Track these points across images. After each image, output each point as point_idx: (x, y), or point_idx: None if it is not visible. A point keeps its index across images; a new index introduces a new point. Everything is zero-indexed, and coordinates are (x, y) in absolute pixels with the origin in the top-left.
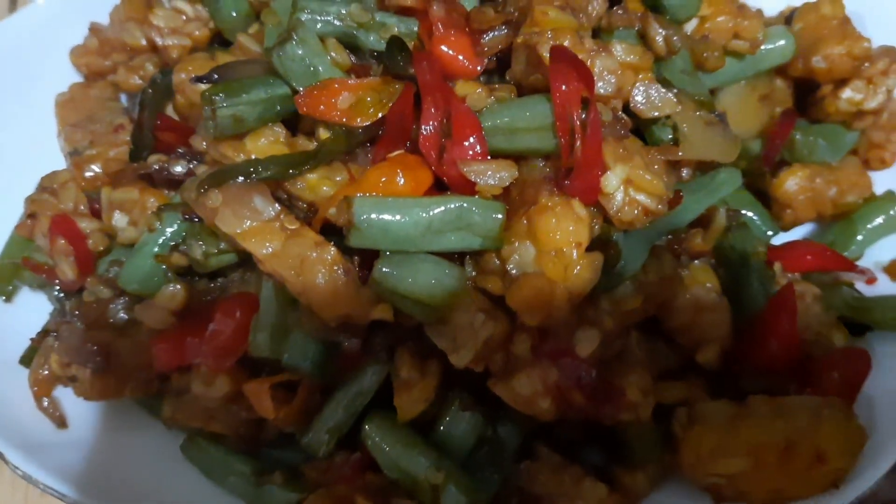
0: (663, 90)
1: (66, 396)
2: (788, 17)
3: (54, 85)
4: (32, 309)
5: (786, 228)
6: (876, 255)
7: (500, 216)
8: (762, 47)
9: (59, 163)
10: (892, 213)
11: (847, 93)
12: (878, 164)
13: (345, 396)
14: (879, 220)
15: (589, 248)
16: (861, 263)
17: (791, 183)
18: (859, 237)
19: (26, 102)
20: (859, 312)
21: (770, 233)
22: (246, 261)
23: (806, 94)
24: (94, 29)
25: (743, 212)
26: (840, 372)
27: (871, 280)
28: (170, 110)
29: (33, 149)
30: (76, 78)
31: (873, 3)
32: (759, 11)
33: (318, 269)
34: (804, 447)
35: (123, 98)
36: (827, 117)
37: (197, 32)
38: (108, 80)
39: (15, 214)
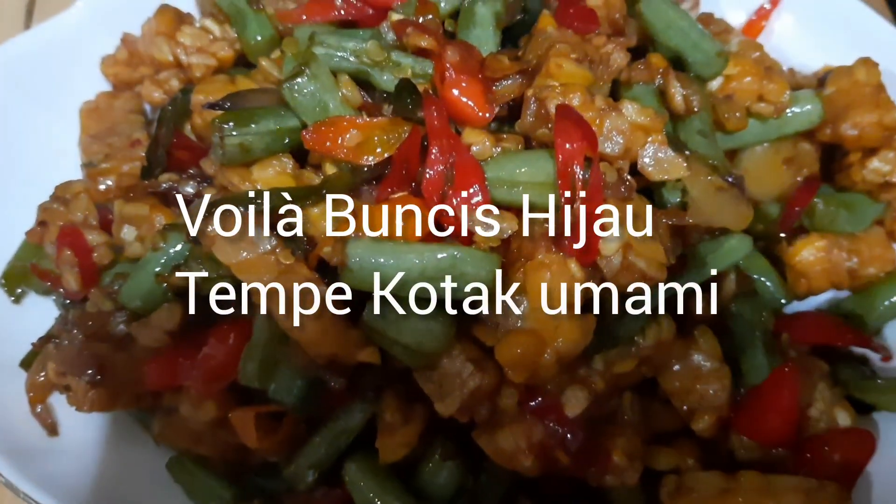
0: (672, 153)
1: (60, 404)
2: (822, 79)
3: (82, 93)
4: (40, 312)
5: (800, 298)
6: (895, 332)
7: (493, 269)
8: (788, 111)
9: (79, 171)
10: None
11: (875, 163)
12: None
13: (329, 433)
14: None
15: (583, 309)
16: (880, 340)
17: (807, 253)
18: (878, 312)
19: (53, 108)
20: (866, 392)
21: (783, 301)
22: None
23: (833, 158)
24: (126, 40)
25: (756, 277)
26: (841, 454)
27: (887, 357)
28: (188, 129)
29: (56, 155)
30: (104, 87)
31: None
32: (790, 71)
33: (308, 307)
34: None
35: (148, 109)
36: (853, 186)
37: (222, 53)
38: (135, 92)
39: (33, 218)
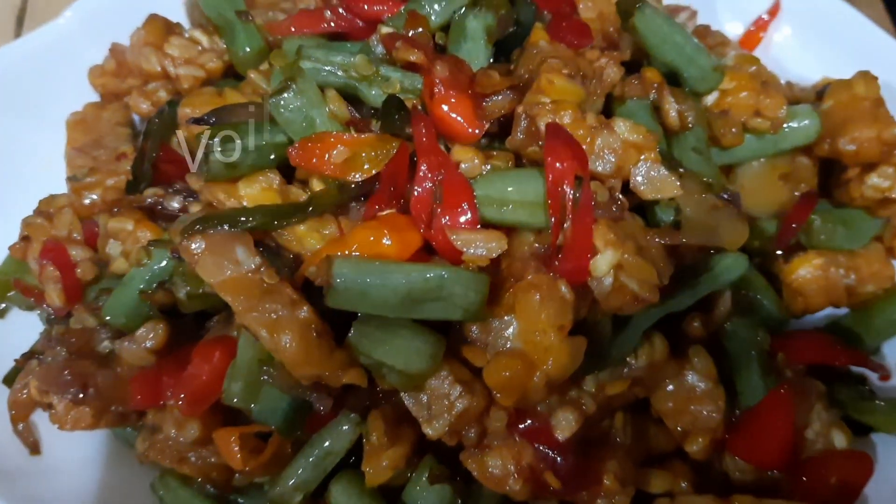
0: (665, 171)
1: (43, 422)
2: (821, 92)
3: (70, 103)
4: (24, 327)
5: (797, 316)
6: (893, 351)
7: (482, 290)
8: (785, 126)
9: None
10: None
11: (874, 179)
12: None
13: (315, 454)
14: None
15: (576, 328)
16: (878, 358)
17: (804, 271)
18: (876, 330)
19: (40, 119)
20: (864, 413)
21: (779, 319)
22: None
23: (831, 173)
24: (115, 50)
25: (752, 295)
26: (838, 476)
27: (885, 377)
28: (175, 142)
29: (42, 166)
30: (93, 97)
31: None
32: (787, 85)
33: (292, 328)
34: None
35: (137, 119)
36: (851, 201)
37: (211, 64)
38: (123, 103)
39: (15, 232)
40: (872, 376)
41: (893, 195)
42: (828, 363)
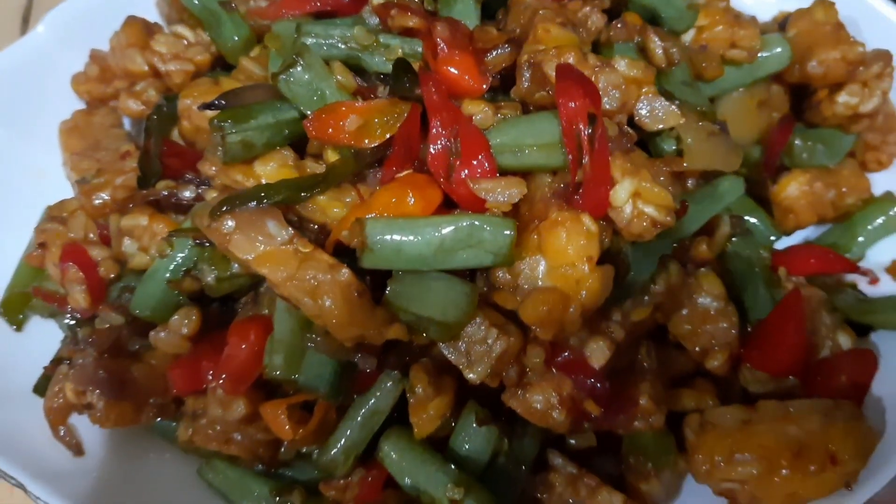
0: (667, 103)
1: (81, 423)
2: (782, 24)
3: (57, 113)
4: (43, 338)
5: (788, 233)
6: (877, 255)
7: (510, 233)
8: (759, 55)
9: (63, 191)
10: (891, 213)
11: (843, 97)
12: (875, 165)
13: (360, 415)
14: (879, 221)
15: (599, 261)
16: (863, 264)
17: (792, 188)
18: (860, 239)
19: (30, 130)
20: (864, 314)
21: (773, 238)
22: (257, 283)
23: (802, 98)
24: (95, 56)
25: (746, 218)
26: (847, 374)
27: (874, 281)
28: (175, 135)
29: (38, 176)
30: (79, 105)
31: (866, 8)
32: (755, 19)
33: (333, 291)
34: (816, 450)
35: (127, 123)
36: (824, 121)
37: (199, 57)
38: (111, 107)
39: (21, 244)
40: (863, 282)
41: (862, 110)
42: (825, 272)
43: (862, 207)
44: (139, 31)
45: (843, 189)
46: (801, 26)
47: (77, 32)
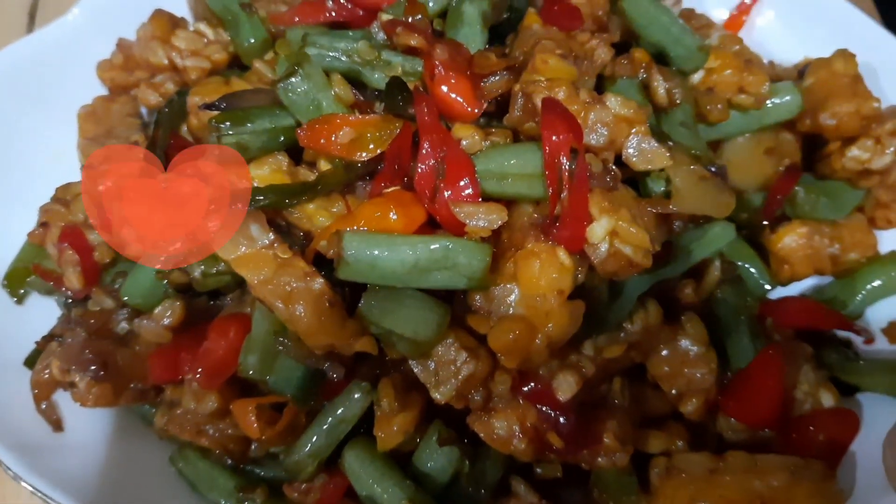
0: (656, 144)
1: (64, 401)
2: (802, 71)
3: (79, 97)
4: (42, 312)
5: (783, 283)
6: (877, 315)
7: (485, 259)
8: (768, 102)
9: (76, 174)
10: (893, 274)
11: (854, 151)
12: (884, 223)
13: (328, 422)
14: (882, 279)
15: (574, 295)
16: (861, 323)
17: (789, 239)
18: (860, 296)
19: (51, 112)
20: (851, 374)
21: (767, 287)
22: (243, 282)
23: (815, 148)
24: (122, 45)
25: (740, 264)
26: (826, 433)
27: (870, 340)
28: (185, 130)
29: (54, 158)
30: (101, 91)
31: (887, 57)
32: (770, 64)
33: (306, 299)
34: None
35: (145, 114)
36: (833, 174)
37: (216, 55)
38: (131, 95)
39: (32, 220)
40: (857, 340)
41: (873, 166)
42: (815, 327)
43: (866, 264)
44: (165, 24)
45: (847, 244)
46: (820, 76)
47: (109, 19)
